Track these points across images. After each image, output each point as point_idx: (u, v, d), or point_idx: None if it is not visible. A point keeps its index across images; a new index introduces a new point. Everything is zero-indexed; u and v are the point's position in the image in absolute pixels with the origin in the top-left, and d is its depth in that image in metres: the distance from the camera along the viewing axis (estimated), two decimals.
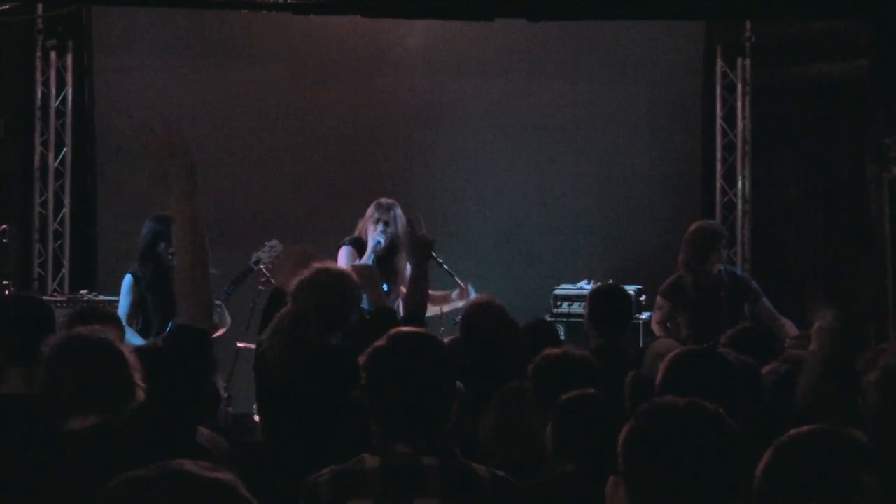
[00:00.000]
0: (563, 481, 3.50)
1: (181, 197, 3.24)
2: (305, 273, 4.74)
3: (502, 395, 4.20)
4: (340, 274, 4.92)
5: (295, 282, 4.73)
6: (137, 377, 3.08)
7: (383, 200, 7.28)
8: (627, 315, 5.84)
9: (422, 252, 5.58)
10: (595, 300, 5.71)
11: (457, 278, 7.22)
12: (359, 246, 7.23)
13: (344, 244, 7.31)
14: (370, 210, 7.24)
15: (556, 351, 4.26)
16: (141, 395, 3.08)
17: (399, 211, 7.21)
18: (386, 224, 7.11)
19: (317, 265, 4.82)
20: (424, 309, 5.49)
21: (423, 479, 2.89)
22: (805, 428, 2.31)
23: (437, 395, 2.97)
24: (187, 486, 1.69)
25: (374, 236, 7.11)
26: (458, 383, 3.99)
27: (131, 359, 3.10)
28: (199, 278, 3.26)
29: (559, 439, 3.60)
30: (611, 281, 7.58)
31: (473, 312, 5.27)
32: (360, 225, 7.28)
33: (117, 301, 7.23)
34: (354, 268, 5.82)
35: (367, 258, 7.08)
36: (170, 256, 6.74)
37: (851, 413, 4.16)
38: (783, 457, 2.26)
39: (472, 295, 7.26)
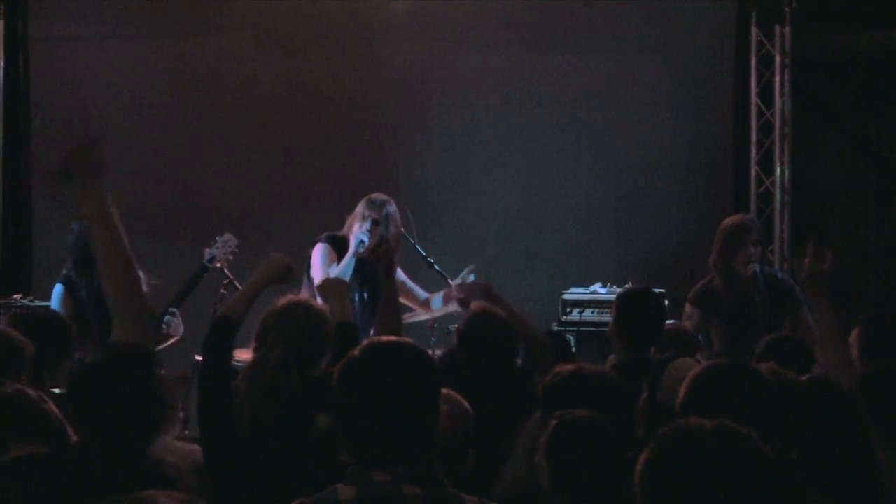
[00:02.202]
0: None
1: (95, 200, 3.24)
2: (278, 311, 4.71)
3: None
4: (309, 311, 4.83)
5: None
6: (58, 421, 3.47)
7: (375, 196, 7.15)
8: (662, 326, 5.73)
9: (382, 266, 5.47)
10: (625, 306, 5.62)
11: (450, 281, 7.13)
12: (337, 244, 7.12)
13: (319, 241, 7.21)
14: (359, 206, 7.12)
15: (568, 367, 4.17)
16: (69, 432, 3.41)
17: (393, 209, 7.11)
18: (375, 223, 7.00)
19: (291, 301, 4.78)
20: (399, 333, 5.38)
21: None
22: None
23: (419, 413, 2.92)
24: None
25: (358, 235, 6.99)
26: (468, 407, 3.92)
27: (49, 406, 3.48)
28: (128, 288, 3.27)
29: (552, 472, 3.55)
30: (629, 284, 7.49)
31: (473, 323, 5.20)
32: (349, 222, 7.17)
33: None
34: (325, 282, 5.71)
35: (348, 260, 6.97)
36: None
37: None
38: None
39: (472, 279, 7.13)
